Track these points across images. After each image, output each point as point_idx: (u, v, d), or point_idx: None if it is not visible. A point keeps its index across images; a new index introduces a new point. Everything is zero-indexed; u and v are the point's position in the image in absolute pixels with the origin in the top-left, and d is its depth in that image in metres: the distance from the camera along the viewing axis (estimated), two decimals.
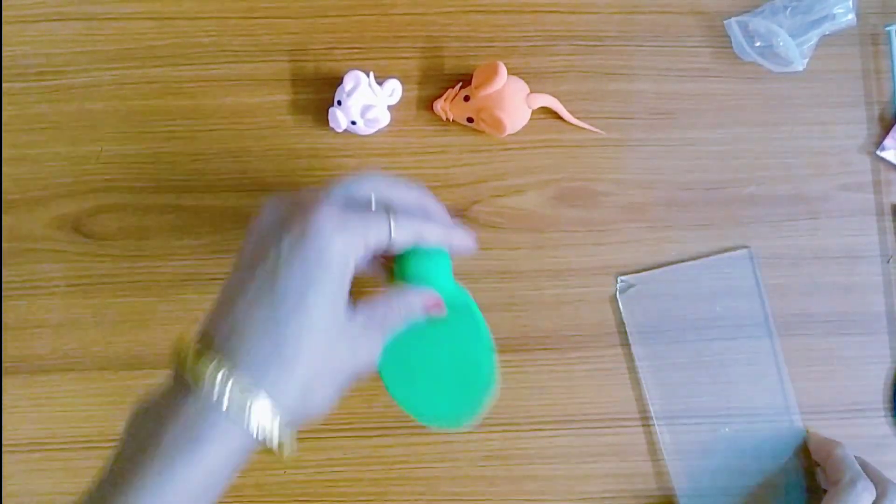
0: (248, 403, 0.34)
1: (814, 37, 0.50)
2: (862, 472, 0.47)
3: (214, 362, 0.34)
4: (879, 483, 0.47)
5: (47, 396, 0.51)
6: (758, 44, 0.51)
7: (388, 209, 0.39)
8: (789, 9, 0.50)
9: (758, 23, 0.50)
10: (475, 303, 0.44)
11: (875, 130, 0.52)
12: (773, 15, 0.51)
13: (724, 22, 0.52)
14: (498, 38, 0.52)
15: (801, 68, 0.50)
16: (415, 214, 0.41)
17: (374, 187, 0.41)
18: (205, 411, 0.34)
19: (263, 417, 0.34)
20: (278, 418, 0.35)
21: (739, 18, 0.51)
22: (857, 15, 0.50)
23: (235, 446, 0.34)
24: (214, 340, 0.35)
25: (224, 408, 0.34)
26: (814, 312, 0.52)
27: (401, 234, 0.39)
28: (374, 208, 0.40)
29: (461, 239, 0.43)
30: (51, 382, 0.51)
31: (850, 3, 0.50)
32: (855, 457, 0.49)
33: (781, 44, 0.50)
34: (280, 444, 0.35)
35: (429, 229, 0.41)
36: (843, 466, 0.48)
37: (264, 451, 0.36)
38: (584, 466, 0.51)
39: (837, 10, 0.50)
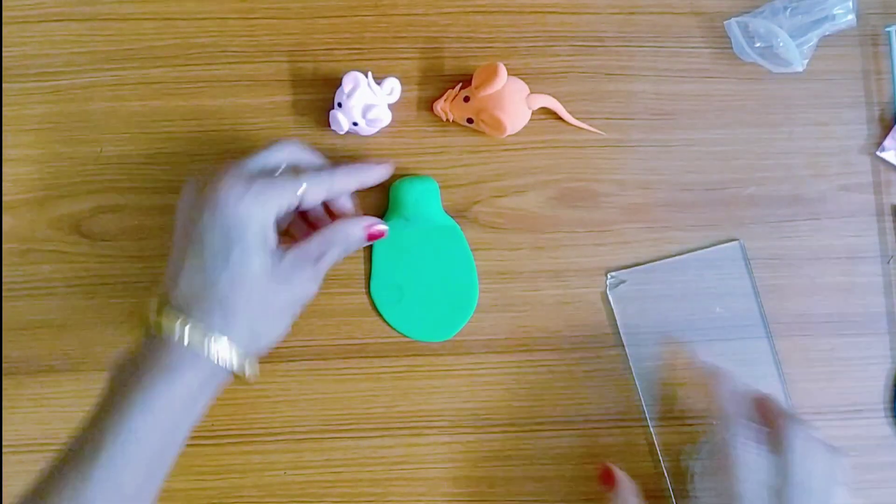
0: (208, 341, 0.41)
1: (814, 37, 0.50)
2: (735, 414, 0.43)
3: (174, 318, 0.41)
4: (776, 419, 0.43)
5: (47, 397, 0.51)
6: (758, 44, 0.51)
7: (296, 172, 0.44)
8: (789, 9, 0.50)
9: (758, 23, 0.50)
10: (460, 229, 0.51)
11: (875, 131, 0.52)
12: (773, 15, 0.51)
13: (724, 23, 0.52)
14: (498, 39, 0.52)
15: (801, 69, 0.50)
16: (321, 173, 0.45)
17: (286, 155, 0.46)
18: (175, 350, 0.40)
19: (223, 350, 0.41)
20: (235, 349, 0.41)
21: (739, 19, 0.51)
22: (857, 16, 0.50)
23: (205, 374, 0.41)
24: (171, 304, 0.42)
25: (189, 345, 0.41)
26: (814, 313, 0.52)
27: (310, 193, 0.44)
28: (279, 173, 0.45)
29: (373, 175, 0.48)
30: (51, 383, 0.51)
31: (850, 3, 0.50)
32: (757, 397, 0.45)
33: (781, 44, 0.50)
34: (242, 369, 0.42)
35: (338, 181, 0.46)
36: (717, 407, 0.44)
37: (235, 379, 0.43)
38: (585, 467, 0.51)
39: (837, 10, 0.50)
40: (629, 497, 0.47)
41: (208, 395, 0.42)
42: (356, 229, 0.46)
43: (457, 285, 0.51)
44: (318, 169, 0.46)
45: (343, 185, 0.47)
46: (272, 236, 0.43)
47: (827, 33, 0.51)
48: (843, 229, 0.52)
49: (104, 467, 0.38)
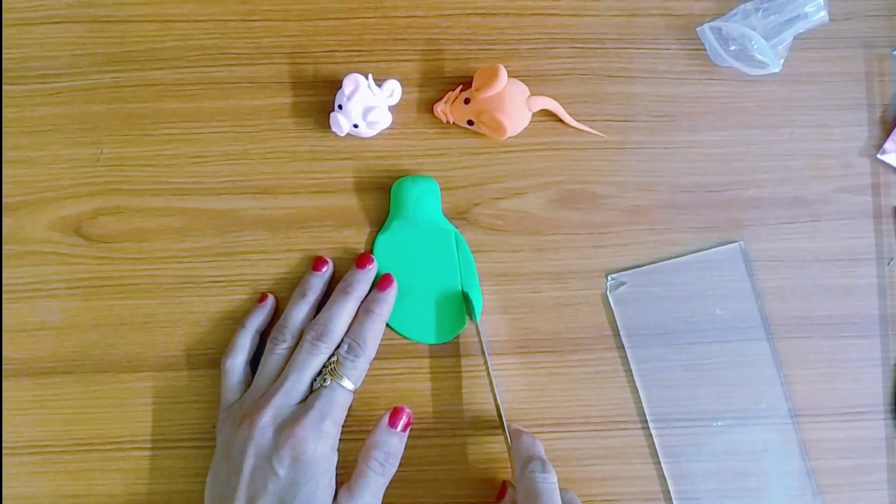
0: None
1: (788, 37, 0.50)
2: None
3: None
4: None
5: (47, 399, 0.51)
6: (732, 48, 0.51)
7: (333, 368, 0.47)
8: (761, 11, 0.50)
9: (730, 27, 0.50)
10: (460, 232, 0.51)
11: (876, 133, 0.52)
12: (745, 18, 0.51)
13: (697, 29, 0.52)
14: (498, 41, 0.52)
15: (777, 70, 0.50)
16: (354, 350, 0.48)
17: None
18: None
19: None
20: None
21: (712, 24, 0.51)
22: (857, 17, 0.50)
23: None
24: None
25: None
26: (814, 315, 0.52)
27: (357, 379, 0.48)
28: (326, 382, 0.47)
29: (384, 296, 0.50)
30: (51, 385, 0.51)
31: (822, 0, 0.50)
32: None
33: (756, 46, 0.50)
34: None
35: (369, 338, 0.48)
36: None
37: None
38: (584, 469, 0.51)
39: (808, 8, 0.50)
40: None
41: None
42: (395, 440, 0.47)
43: (457, 287, 0.51)
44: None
45: (375, 336, 0.49)
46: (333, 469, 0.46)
47: (800, 31, 0.50)
48: (843, 231, 0.52)
49: None
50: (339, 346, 0.48)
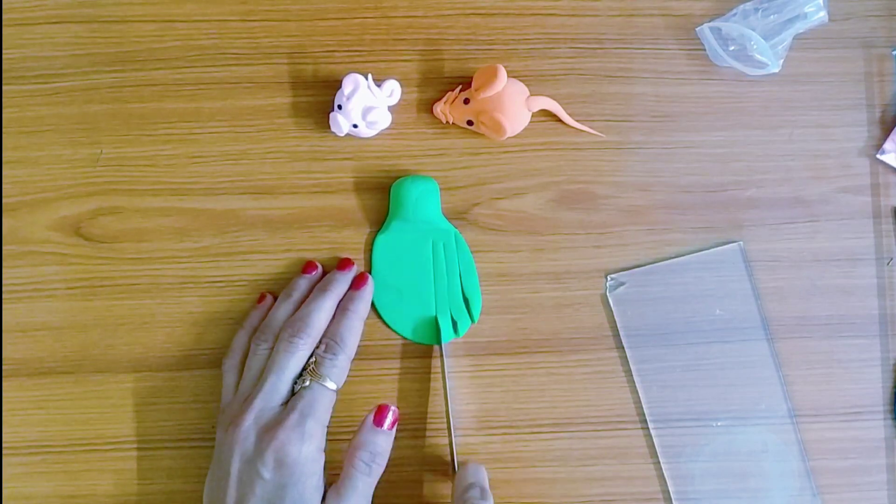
0: None
1: (787, 37, 0.50)
2: None
3: None
4: None
5: (47, 399, 0.51)
6: (732, 48, 0.51)
7: (314, 369, 0.46)
8: (760, 11, 0.50)
9: (730, 27, 0.50)
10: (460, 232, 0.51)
11: (875, 133, 0.52)
12: (745, 18, 0.51)
13: (696, 29, 0.52)
14: (498, 41, 0.52)
15: (776, 70, 0.50)
16: (332, 353, 0.47)
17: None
18: None
19: None
20: None
21: (712, 24, 0.51)
22: (857, 17, 0.50)
23: None
24: None
25: None
26: (813, 315, 0.52)
27: (338, 378, 0.47)
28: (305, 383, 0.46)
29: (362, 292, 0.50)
30: (51, 385, 0.51)
31: (821, 0, 0.50)
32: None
33: (755, 46, 0.50)
34: None
35: (347, 336, 0.48)
36: None
37: None
38: (584, 469, 0.51)
39: (808, 8, 0.50)
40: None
41: None
42: (381, 439, 0.46)
43: (457, 287, 0.51)
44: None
45: (353, 338, 0.49)
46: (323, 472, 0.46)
47: (800, 31, 0.50)
48: (842, 231, 0.52)
49: None
50: (317, 346, 0.48)
